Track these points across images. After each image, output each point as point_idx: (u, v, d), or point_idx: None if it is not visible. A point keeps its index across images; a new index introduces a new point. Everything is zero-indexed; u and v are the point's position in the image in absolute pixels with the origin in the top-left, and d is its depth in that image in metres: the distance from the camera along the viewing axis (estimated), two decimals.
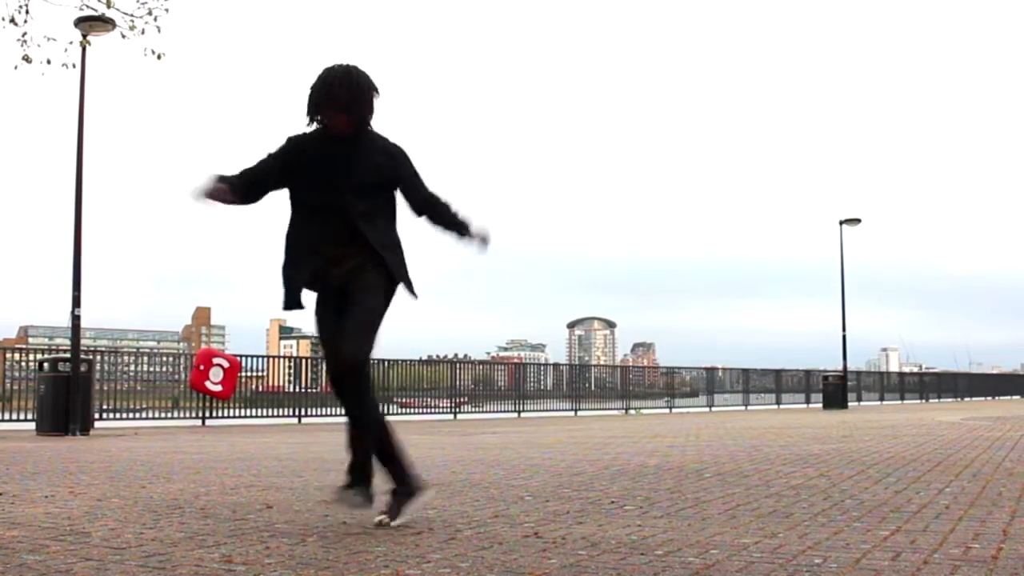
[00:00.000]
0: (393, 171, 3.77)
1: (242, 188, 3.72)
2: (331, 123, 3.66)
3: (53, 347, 26.51)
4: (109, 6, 9.18)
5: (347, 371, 3.61)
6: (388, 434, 3.77)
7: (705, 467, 6.21)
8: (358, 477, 3.86)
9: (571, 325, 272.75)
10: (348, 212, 3.66)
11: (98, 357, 16.13)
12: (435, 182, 3.89)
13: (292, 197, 3.79)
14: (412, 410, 19.85)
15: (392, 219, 3.82)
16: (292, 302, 3.74)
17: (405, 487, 3.74)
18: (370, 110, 3.69)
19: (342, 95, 3.60)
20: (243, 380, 17.08)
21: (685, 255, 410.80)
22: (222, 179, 3.68)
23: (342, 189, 3.66)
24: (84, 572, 2.81)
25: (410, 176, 3.82)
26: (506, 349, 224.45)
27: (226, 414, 16.42)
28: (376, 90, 3.69)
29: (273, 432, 13.04)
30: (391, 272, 3.71)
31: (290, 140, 3.77)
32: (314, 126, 3.71)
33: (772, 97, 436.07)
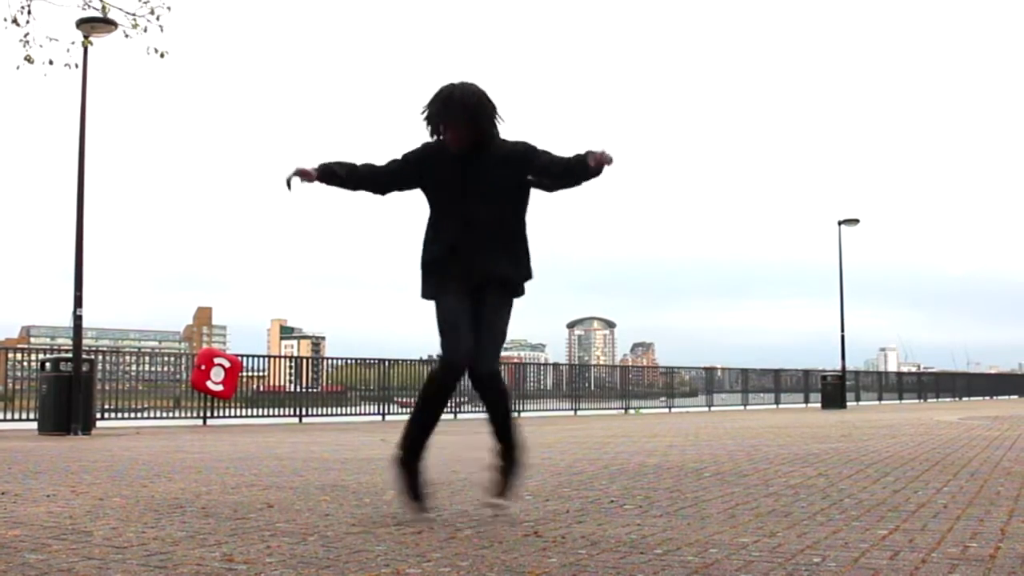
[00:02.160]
0: (515, 174, 3.86)
1: (357, 177, 3.94)
2: (448, 140, 3.80)
3: (55, 347, 26.54)
4: (105, 11, 9.21)
5: (487, 377, 3.87)
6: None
7: (704, 466, 6.22)
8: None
9: (571, 325, 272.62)
10: (477, 219, 3.81)
11: (100, 357, 16.11)
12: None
13: (428, 199, 3.98)
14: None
15: (518, 226, 3.94)
16: (430, 292, 3.91)
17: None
18: (488, 123, 3.79)
19: (457, 113, 3.74)
20: (244, 380, 17.10)
21: (685, 255, 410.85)
22: (323, 168, 3.90)
23: (472, 199, 3.82)
24: (86, 571, 2.82)
25: (533, 160, 3.83)
26: (506, 349, 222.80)
27: (227, 414, 16.41)
28: (491, 104, 3.80)
29: (274, 432, 13.04)
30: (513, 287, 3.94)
31: (426, 146, 3.91)
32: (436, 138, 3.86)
33: (771, 98, 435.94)
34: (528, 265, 3.98)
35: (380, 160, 4.00)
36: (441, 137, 3.83)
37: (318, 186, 3.95)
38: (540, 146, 3.88)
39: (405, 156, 3.94)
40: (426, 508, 3.89)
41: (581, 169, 3.74)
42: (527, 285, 4.00)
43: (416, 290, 3.93)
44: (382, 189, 4.01)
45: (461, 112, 3.74)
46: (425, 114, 3.81)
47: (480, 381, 3.87)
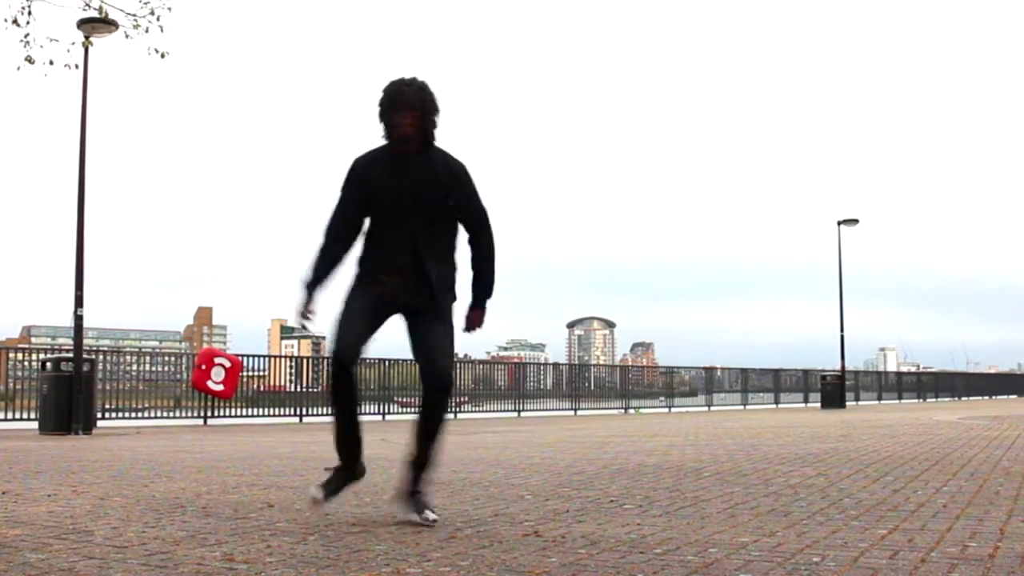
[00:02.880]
0: (448, 189, 3.84)
1: (332, 260, 3.92)
2: (398, 123, 3.76)
3: (56, 347, 26.52)
4: (103, 12, 9.21)
5: (446, 387, 3.81)
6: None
7: (704, 466, 6.22)
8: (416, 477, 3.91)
9: (571, 325, 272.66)
10: (410, 225, 3.79)
11: (100, 357, 16.10)
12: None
13: (369, 213, 3.93)
14: (412, 410, 19.77)
15: (453, 233, 3.92)
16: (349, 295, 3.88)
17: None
18: (435, 117, 3.80)
19: (409, 96, 3.74)
20: (244, 380, 17.09)
21: (685, 255, 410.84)
22: (309, 289, 3.90)
23: (411, 204, 3.79)
24: (86, 570, 2.83)
25: (465, 198, 3.88)
26: (506, 349, 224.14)
27: (228, 413, 16.41)
28: (438, 101, 3.81)
29: (274, 431, 13.05)
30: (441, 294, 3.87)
31: (355, 165, 3.90)
32: (381, 142, 3.84)
33: (771, 99, 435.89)
34: (453, 289, 3.92)
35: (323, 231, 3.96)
36: (387, 127, 3.79)
37: (322, 297, 3.97)
38: (476, 186, 3.90)
39: (346, 184, 3.88)
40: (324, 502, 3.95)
41: (478, 296, 3.96)
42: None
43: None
44: (349, 238, 3.93)
45: (408, 102, 3.73)
46: (380, 102, 3.78)
47: (429, 390, 3.80)
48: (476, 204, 3.91)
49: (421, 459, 3.83)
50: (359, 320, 3.80)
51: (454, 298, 3.92)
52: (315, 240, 3.96)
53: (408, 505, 3.79)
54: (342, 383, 3.79)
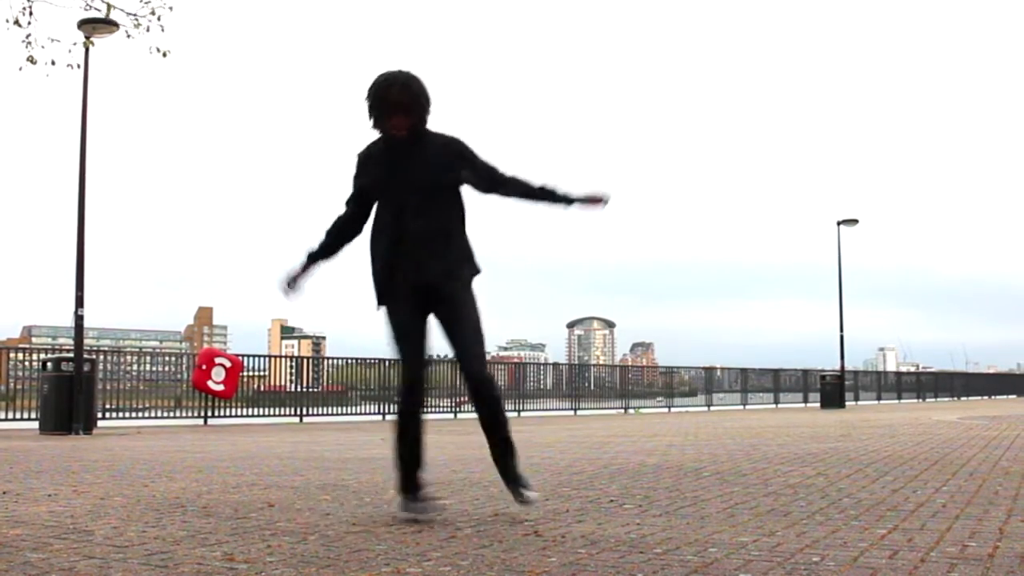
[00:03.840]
0: (451, 164, 3.85)
1: (338, 236, 3.99)
2: (389, 125, 3.78)
3: (56, 347, 26.55)
4: (108, 10, 9.22)
5: (487, 383, 3.86)
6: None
7: (703, 466, 6.23)
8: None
9: (570, 325, 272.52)
10: (415, 214, 3.79)
11: (101, 357, 16.11)
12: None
13: (373, 203, 3.96)
14: None
15: (459, 217, 3.92)
16: (383, 299, 3.89)
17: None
18: (425, 111, 3.81)
19: (396, 95, 3.73)
20: (245, 380, 17.12)
21: (684, 255, 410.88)
22: (309, 260, 3.98)
23: (411, 190, 3.80)
24: (87, 570, 2.83)
25: (469, 159, 3.89)
26: (506, 349, 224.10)
27: (228, 413, 16.42)
28: (428, 91, 3.81)
29: (275, 431, 13.05)
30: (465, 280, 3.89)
31: (359, 155, 3.94)
32: (377, 133, 3.86)
33: (770, 99, 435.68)
34: (472, 261, 3.92)
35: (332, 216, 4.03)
36: (379, 128, 3.81)
37: (317, 268, 4.02)
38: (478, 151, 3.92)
39: (355, 174, 3.94)
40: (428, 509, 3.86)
41: (557, 198, 3.91)
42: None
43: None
44: (356, 224, 3.98)
45: (396, 102, 3.73)
46: (368, 100, 3.79)
47: (475, 387, 3.86)
48: (483, 163, 3.91)
49: (497, 449, 3.94)
50: (416, 342, 3.83)
51: (475, 270, 3.93)
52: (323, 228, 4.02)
53: (509, 491, 3.95)
54: (411, 415, 3.86)
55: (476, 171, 3.89)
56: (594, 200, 3.92)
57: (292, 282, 3.99)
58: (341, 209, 4.01)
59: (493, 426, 3.92)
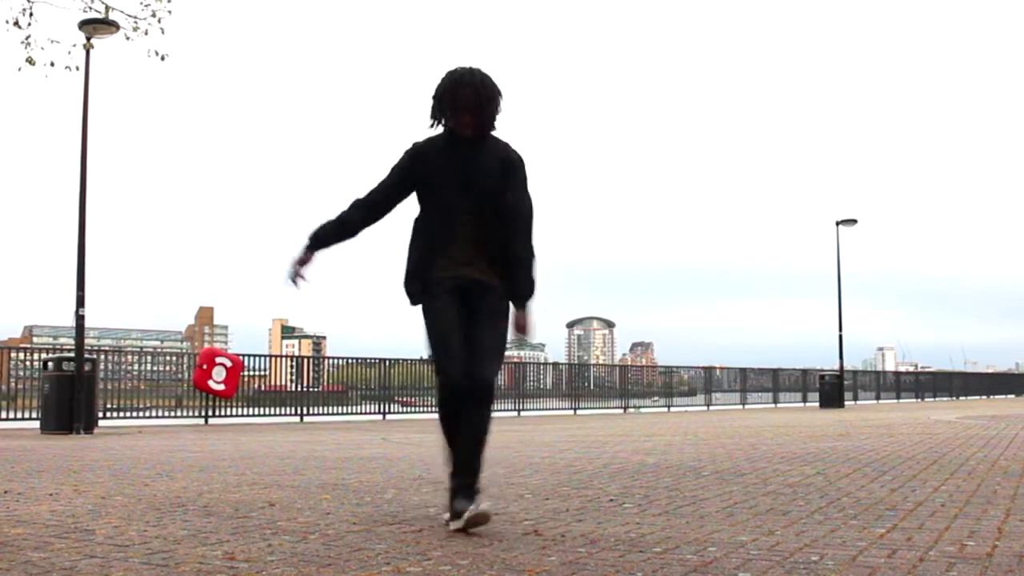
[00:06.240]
0: (504, 176, 3.75)
1: (352, 223, 3.80)
2: (456, 123, 3.69)
3: (57, 346, 26.57)
4: (107, 12, 9.23)
5: (482, 390, 3.63)
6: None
7: (703, 465, 6.23)
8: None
9: (570, 325, 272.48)
10: (471, 215, 3.71)
11: (102, 356, 16.10)
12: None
13: (419, 199, 3.83)
14: (413, 409, 19.83)
15: (504, 226, 3.80)
16: (417, 299, 3.76)
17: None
18: (495, 113, 3.73)
19: (469, 96, 3.64)
20: (246, 379, 17.11)
21: (683, 256, 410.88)
22: (313, 242, 3.77)
23: (465, 192, 3.71)
24: (88, 569, 2.84)
25: (514, 186, 3.78)
26: (505, 348, 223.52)
27: (229, 413, 16.42)
28: (500, 93, 3.73)
29: (275, 431, 13.05)
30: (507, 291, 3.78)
31: (414, 147, 3.80)
32: (439, 129, 3.76)
33: (770, 99, 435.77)
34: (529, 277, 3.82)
35: (357, 194, 3.84)
36: (444, 123, 3.73)
37: (321, 256, 3.83)
38: (524, 172, 3.82)
39: (400, 164, 3.80)
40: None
41: (519, 293, 3.80)
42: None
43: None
44: (383, 211, 3.82)
45: (474, 95, 3.64)
46: (438, 96, 3.70)
47: (469, 392, 3.62)
48: (522, 196, 3.81)
49: (457, 468, 3.65)
50: (456, 334, 3.67)
51: (524, 282, 3.80)
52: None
53: (451, 506, 3.60)
54: (455, 408, 3.68)
55: (513, 199, 3.77)
56: (520, 327, 3.83)
57: (298, 268, 3.77)
58: (365, 192, 3.81)
59: (479, 425, 3.68)
